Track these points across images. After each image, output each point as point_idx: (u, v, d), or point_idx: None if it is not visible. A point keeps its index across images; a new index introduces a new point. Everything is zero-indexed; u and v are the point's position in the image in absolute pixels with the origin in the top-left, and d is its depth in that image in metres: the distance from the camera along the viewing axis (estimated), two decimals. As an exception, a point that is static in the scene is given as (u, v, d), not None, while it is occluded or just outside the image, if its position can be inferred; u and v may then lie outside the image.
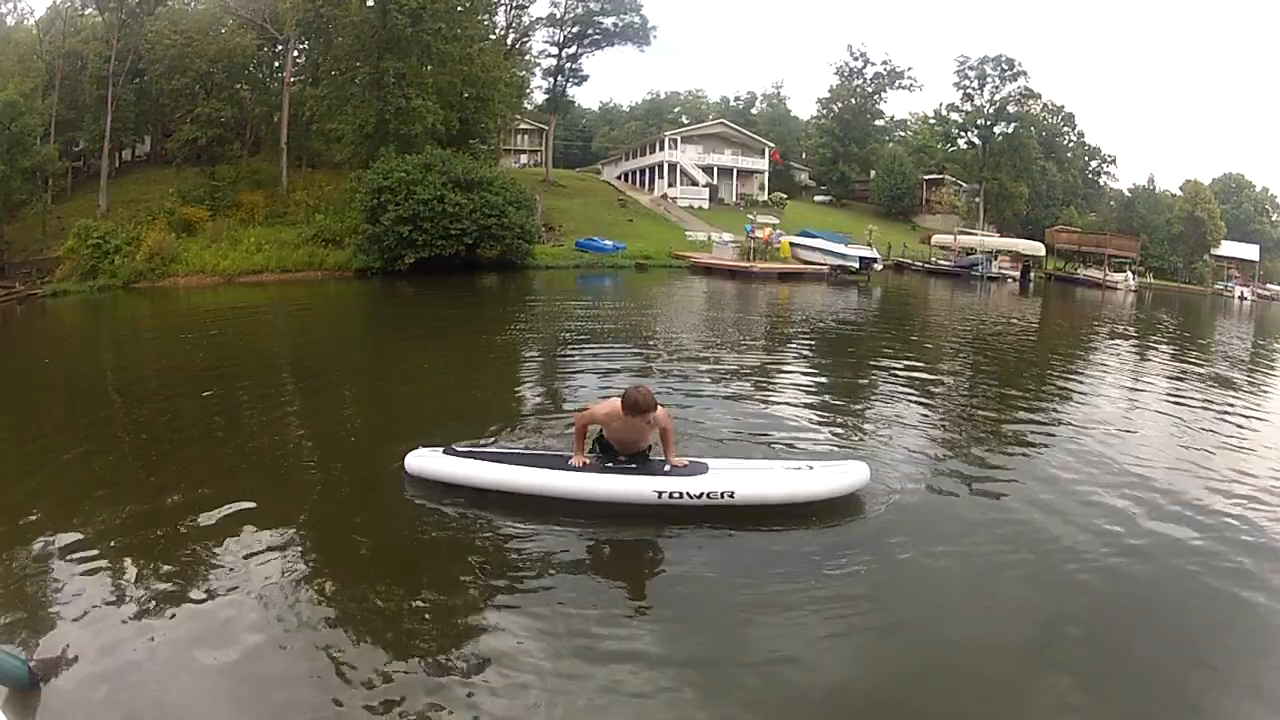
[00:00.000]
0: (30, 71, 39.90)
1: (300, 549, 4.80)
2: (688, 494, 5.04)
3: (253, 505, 5.53)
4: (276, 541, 4.91)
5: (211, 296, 27.51)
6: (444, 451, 5.71)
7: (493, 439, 6.92)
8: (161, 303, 26.96)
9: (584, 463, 5.37)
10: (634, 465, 5.39)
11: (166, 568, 4.52)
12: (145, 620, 3.94)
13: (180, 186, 39.84)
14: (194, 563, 4.59)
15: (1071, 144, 73.21)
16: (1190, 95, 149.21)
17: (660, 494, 5.06)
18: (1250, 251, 73.01)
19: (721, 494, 5.05)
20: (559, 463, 5.50)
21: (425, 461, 5.66)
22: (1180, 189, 77.23)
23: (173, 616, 3.95)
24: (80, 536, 5.02)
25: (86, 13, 46.96)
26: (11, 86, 35.89)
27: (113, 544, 4.91)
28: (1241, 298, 60.18)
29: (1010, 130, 61.98)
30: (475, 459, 5.57)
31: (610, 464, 5.42)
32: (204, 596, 4.19)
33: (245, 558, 4.66)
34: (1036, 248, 51.24)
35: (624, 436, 5.39)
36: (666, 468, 5.35)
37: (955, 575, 4.74)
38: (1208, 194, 74.25)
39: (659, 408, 5.18)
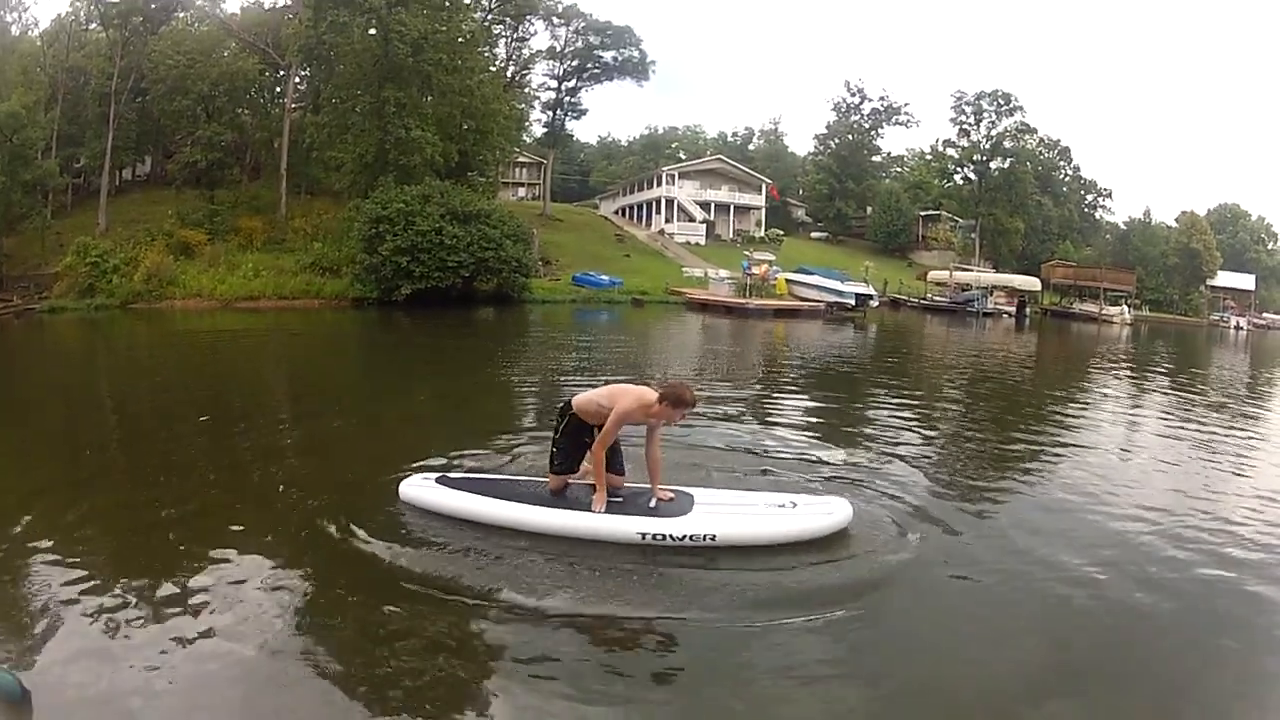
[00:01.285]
0: (33, 84, 39.96)
1: (289, 576, 4.80)
2: (671, 536, 5.12)
3: (241, 528, 5.56)
4: (265, 566, 4.90)
5: (208, 320, 27.54)
6: (437, 480, 5.76)
7: (491, 465, 6.98)
8: (158, 324, 26.95)
9: (604, 506, 5.37)
10: (620, 499, 5.44)
11: (155, 588, 4.54)
12: (135, 638, 3.97)
13: (179, 209, 39.89)
14: (183, 585, 4.59)
15: (1068, 178, 73.59)
16: (1188, 124, 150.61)
17: (644, 535, 5.15)
18: (1246, 281, 73.50)
19: (704, 536, 5.13)
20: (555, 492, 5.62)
21: (418, 490, 5.71)
22: (1176, 220, 77.60)
23: (161, 635, 3.97)
24: (70, 554, 5.04)
25: (91, 28, 47.19)
26: (15, 97, 35.93)
27: (103, 563, 4.94)
28: (1237, 328, 60.58)
29: (1006, 165, 62.34)
30: (467, 490, 5.61)
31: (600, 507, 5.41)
32: (192, 618, 4.19)
33: (232, 582, 4.67)
34: (1032, 283, 51.46)
35: (629, 425, 5.46)
36: (653, 502, 5.41)
37: (950, 612, 4.70)
38: (1203, 225, 74.54)
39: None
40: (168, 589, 4.52)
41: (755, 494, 5.86)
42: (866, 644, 4.27)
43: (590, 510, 5.35)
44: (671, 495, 5.47)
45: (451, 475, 5.89)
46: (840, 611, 4.49)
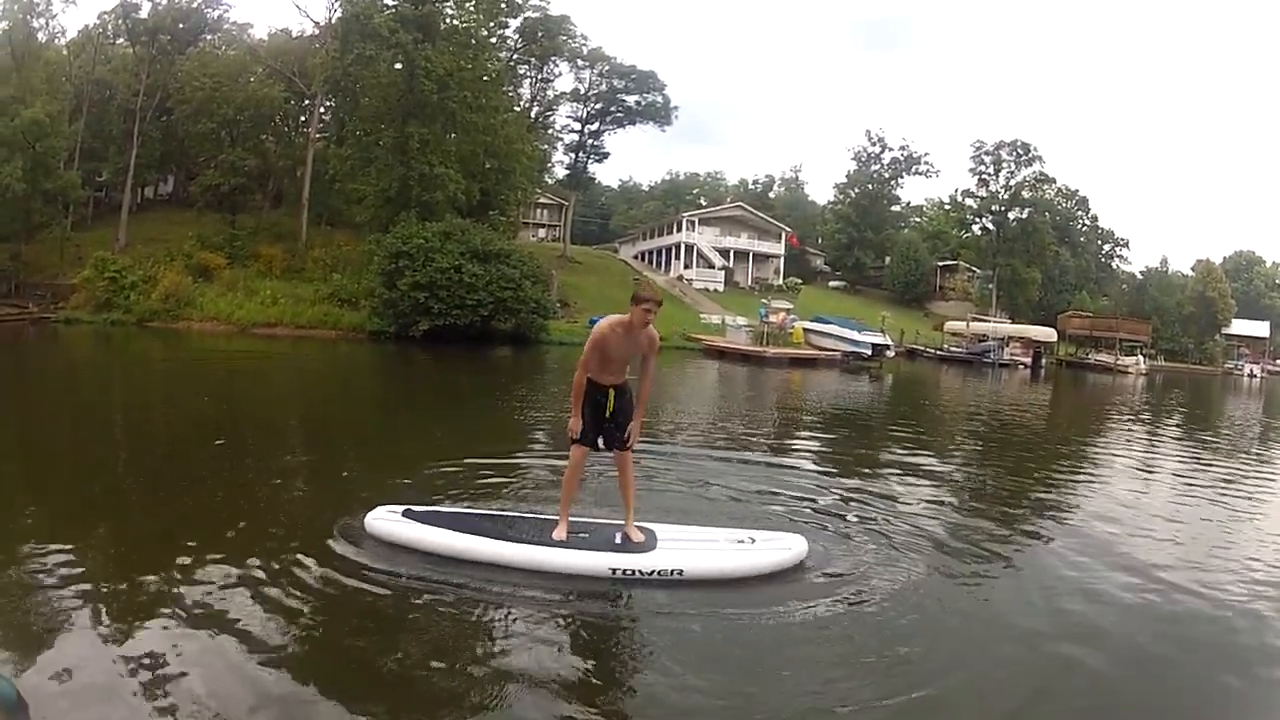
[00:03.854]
0: (58, 93, 40.16)
1: (267, 598, 4.76)
2: (640, 571, 5.24)
3: (242, 551, 5.51)
4: (263, 588, 4.89)
5: (224, 343, 27.61)
6: (403, 513, 5.71)
7: (466, 498, 6.95)
8: (174, 344, 27.07)
9: (565, 536, 5.48)
10: (585, 536, 5.52)
11: (155, 604, 4.57)
12: (133, 651, 3.97)
13: (200, 231, 40.16)
14: (173, 601, 4.61)
15: (1085, 228, 73.82)
16: (1205, 171, 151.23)
17: (615, 570, 5.25)
18: (1261, 329, 74.10)
19: (671, 571, 5.26)
20: (523, 527, 5.67)
21: (383, 523, 5.66)
22: (1192, 269, 78.12)
23: (160, 650, 3.98)
24: (68, 565, 5.05)
25: (118, 42, 47.70)
26: (39, 105, 36.21)
27: (100, 575, 4.94)
28: (1251, 375, 61.31)
29: (1024, 215, 62.45)
30: (434, 523, 5.59)
31: (562, 539, 5.50)
32: (180, 634, 4.20)
33: (219, 594, 4.72)
34: (1048, 334, 51.70)
35: (620, 353, 5.46)
36: (618, 538, 5.51)
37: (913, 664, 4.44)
38: (1218, 273, 75.15)
39: (660, 305, 5.44)
40: (167, 606, 4.53)
41: (716, 530, 5.97)
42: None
43: (554, 541, 5.43)
44: (642, 537, 5.56)
45: (418, 509, 5.83)
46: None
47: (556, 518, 5.63)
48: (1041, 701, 4.06)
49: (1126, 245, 79.21)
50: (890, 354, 37.11)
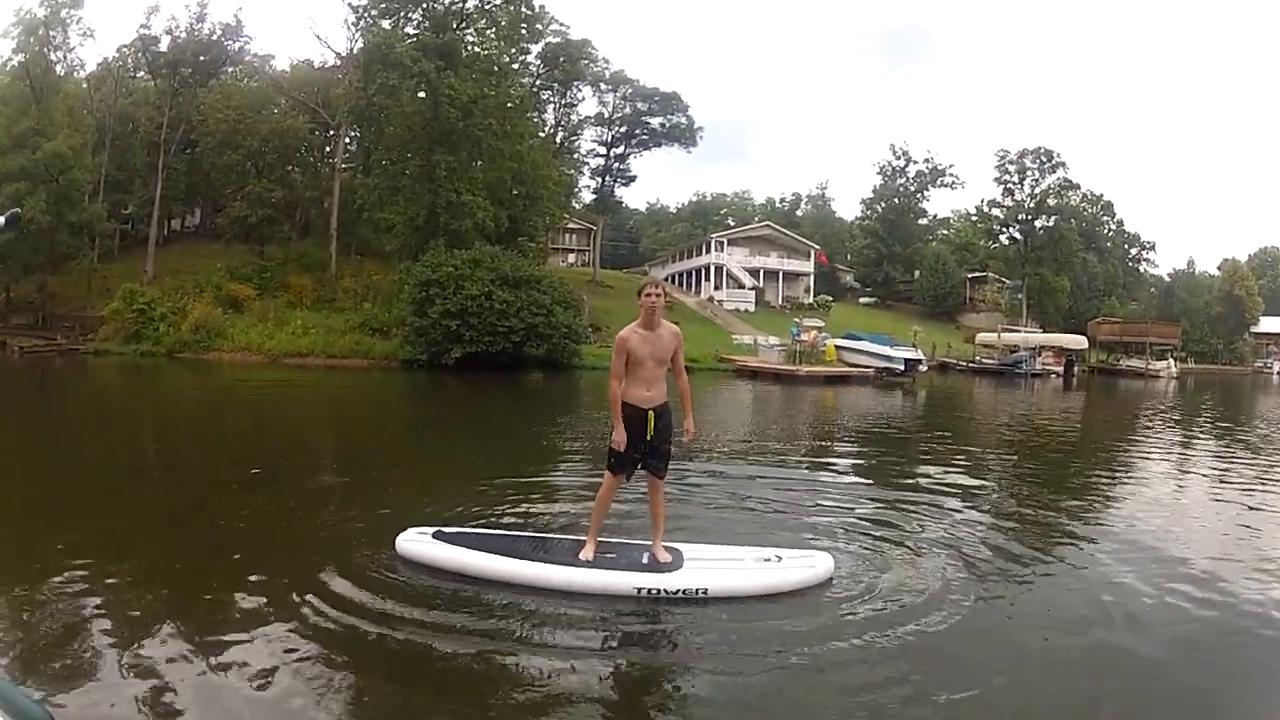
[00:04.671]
0: (80, 126, 40.61)
1: (298, 625, 4.73)
2: (665, 590, 5.28)
3: (276, 576, 5.53)
4: (278, 613, 4.88)
5: (255, 373, 27.65)
6: (433, 535, 5.81)
7: (497, 520, 7.00)
8: (205, 374, 27.21)
9: (592, 556, 5.53)
10: (612, 556, 5.58)
11: (176, 629, 4.58)
12: (163, 680, 3.95)
13: (228, 262, 40.45)
14: (201, 627, 4.63)
15: (1111, 232, 73.44)
16: (1228, 169, 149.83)
17: (640, 590, 5.29)
18: None
19: (696, 590, 5.29)
20: (551, 547, 5.76)
21: (413, 545, 5.77)
22: (1218, 268, 77.80)
23: (190, 680, 3.98)
24: (100, 592, 5.10)
25: (139, 75, 48.21)
26: (60, 138, 36.57)
27: (130, 602, 5.00)
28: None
29: (1051, 223, 61.87)
30: (463, 544, 5.68)
31: (592, 560, 5.55)
32: (208, 661, 4.20)
33: (251, 622, 4.72)
34: (1079, 341, 51.50)
35: (646, 353, 5.42)
36: (645, 558, 5.56)
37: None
38: (1245, 271, 75.50)
39: (659, 288, 5.51)
40: (183, 627, 4.59)
41: (743, 548, 6.00)
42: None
43: (581, 562, 5.50)
44: (670, 556, 5.57)
45: (448, 530, 5.95)
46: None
47: (585, 539, 5.72)
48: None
49: (1153, 248, 78.63)
50: (923, 368, 36.68)
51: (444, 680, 4.16)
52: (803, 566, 5.64)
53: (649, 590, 5.29)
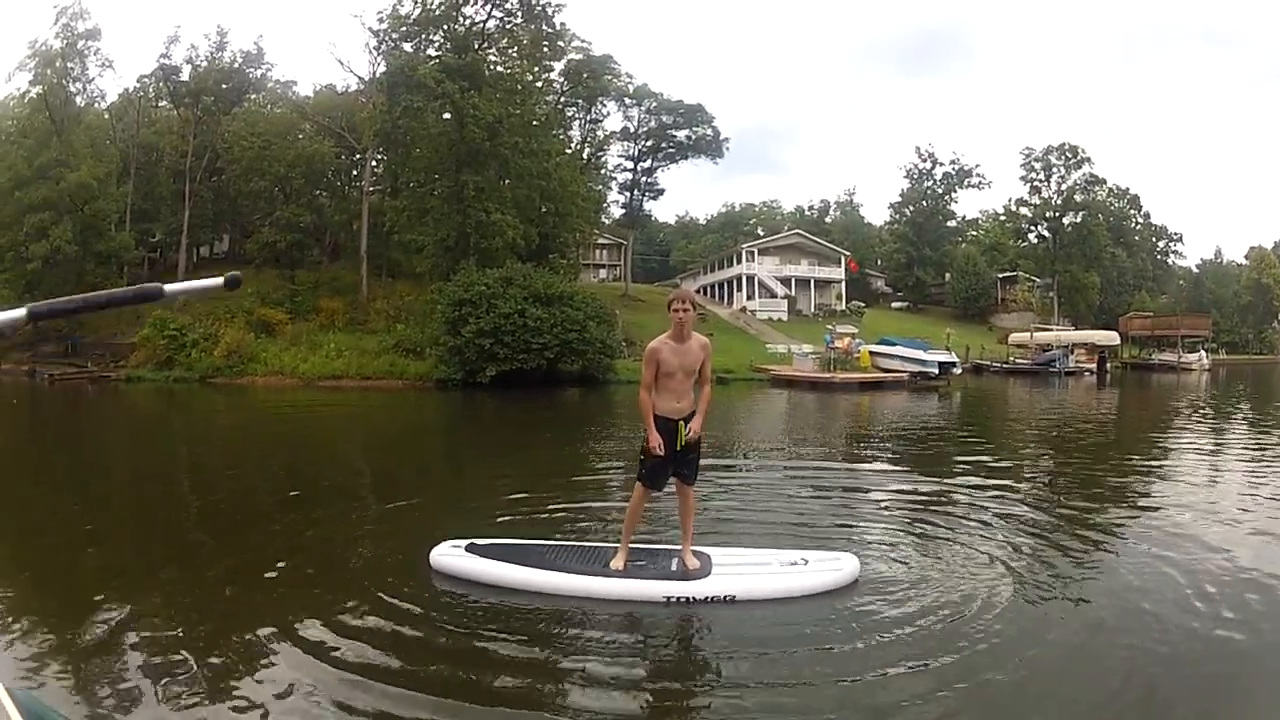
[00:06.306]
0: (103, 156, 41.02)
1: (333, 642, 4.74)
2: (693, 597, 5.40)
3: (319, 598, 5.54)
4: (314, 628, 4.90)
5: (289, 396, 27.78)
6: (466, 548, 5.92)
7: (529, 533, 6.97)
8: (239, 398, 27.49)
9: (623, 565, 5.64)
10: (642, 564, 5.71)
11: (204, 646, 4.61)
12: (195, 704, 3.95)
13: (259, 288, 40.56)
14: (232, 644, 4.66)
15: (1139, 226, 72.75)
16: (1251, 155, 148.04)
17: (669, 598, 5.41)
18: None
19: (723, 597, 5.40)
20: (582, 557, 5.88)
21: (446, 558, 5.89)
22: (1246, 257, 77.06)
23: (203, 688, 4.07)
24: (128, 611, 5.13)
25: (161, 105, 48.65)
26: (85, 169, 36.95)
27: (157, 620, 5.07)
28: None
29: (1079, 220, 61.41)
30: (495, 557, 5.80)
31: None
32: (236, 678, 4.22)
33: (284, 641, 4.70)
34: (1111, 338, 51.25)
35: (675, 364, 5.46)
36: (674, 565, 5.69)
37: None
38: (1272, 259, 75.03)
39: (688, 302, 5.52)
40: (212, 645, 4.63)
41: (770, 552, 6.11)
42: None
43: (612, 571, 5.59)
44: (698, 562, 5.67)
45: (480, 543, 6.04)
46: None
47: (616, 547, 5.82)
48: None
49: (1180, 240, 78.13)
50: (957, 371, 36.44)
51: (476, 692, 4.14)
52: (829, 569, 5.73)
53: (677, 598, 5.42)
